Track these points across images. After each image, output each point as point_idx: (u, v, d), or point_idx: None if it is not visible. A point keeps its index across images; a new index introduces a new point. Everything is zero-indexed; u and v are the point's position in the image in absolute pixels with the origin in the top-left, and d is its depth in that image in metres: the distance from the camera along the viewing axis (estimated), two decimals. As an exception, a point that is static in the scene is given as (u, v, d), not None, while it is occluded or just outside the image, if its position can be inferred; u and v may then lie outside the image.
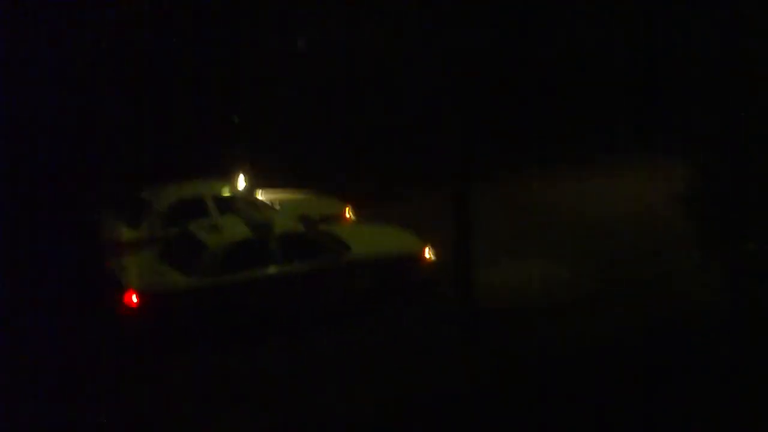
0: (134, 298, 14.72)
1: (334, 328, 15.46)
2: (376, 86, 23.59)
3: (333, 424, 12.97)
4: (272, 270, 15.48)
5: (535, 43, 24.93)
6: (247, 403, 13.42)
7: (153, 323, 14.84)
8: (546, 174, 22.52)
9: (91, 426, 12.75)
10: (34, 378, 13.74)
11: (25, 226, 17.09)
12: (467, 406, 13.29)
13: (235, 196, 17.57)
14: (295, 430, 12.89)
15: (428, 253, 16.54)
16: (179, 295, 14.98)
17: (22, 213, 17.08)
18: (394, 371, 14.21)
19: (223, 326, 15.08)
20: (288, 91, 23.05)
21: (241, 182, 18.19)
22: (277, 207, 17.88)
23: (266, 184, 18.97)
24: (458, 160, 15.38)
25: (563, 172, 22.63)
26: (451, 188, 15.33)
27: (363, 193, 20.11)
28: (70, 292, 15.52)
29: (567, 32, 25.29)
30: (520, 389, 13.70)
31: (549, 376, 13.92)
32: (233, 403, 13.47)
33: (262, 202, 17.93)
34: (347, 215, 18.43)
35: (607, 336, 15.05)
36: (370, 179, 21.57)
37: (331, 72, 23.58)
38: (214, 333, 14.95)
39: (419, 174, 21.54)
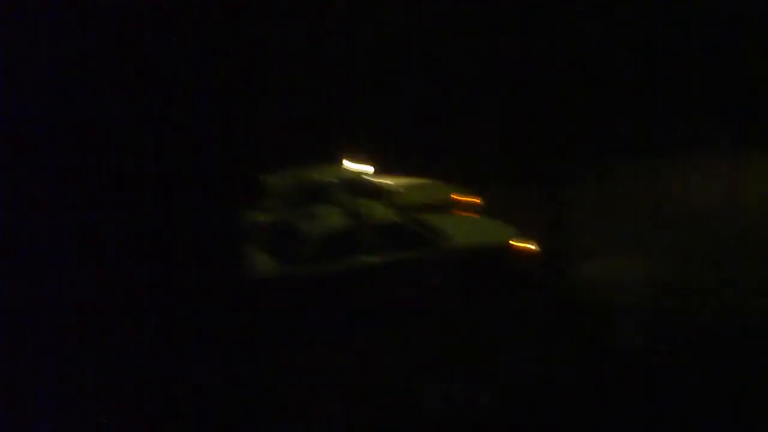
0: None
1: (430, 318, 15.40)
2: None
3: (437, 416, 12.94)
4: (367, 260, 15.50)
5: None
6: (346, 395, 13.44)
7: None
8: (647, 166, 22.19)
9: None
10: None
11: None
12: (565, 402, 13.17)
13: (357, 180, 18.06)
14: (395, 423, 12.88)
15: (523, 245, 16.40)
16: (274, 282, 15.09)
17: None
18: (493, 364, 14.12)
19: (317, 316, 15.15)
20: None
21: (361, 167, 18.76)
22: (398, 192, 18.18)
23: (387, 169, 19.31)
24: (555, 149, 15.26)
25: (664, 165, 22.26)
26: (550, 179, 15.22)
27: (486, 179, 20.15)
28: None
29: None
30: (613, 384, 13.51)
31: (645, 374, 13.71)
32: (330, 395, 13.46)
33: (382, 186, 18.23)
34: (467, 202, 18.61)
35: (700, 336, 14.75)
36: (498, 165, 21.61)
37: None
38: (307, 323, 15.02)
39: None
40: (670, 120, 23.45)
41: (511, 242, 16.37)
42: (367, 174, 18.58)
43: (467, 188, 19.10)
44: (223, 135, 9.57)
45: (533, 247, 16.37)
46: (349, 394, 13.36)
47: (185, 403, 10.66)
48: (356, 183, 18.03)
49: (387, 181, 18.82)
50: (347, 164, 18.75)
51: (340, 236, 15.44)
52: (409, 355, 14.40)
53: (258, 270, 15.11)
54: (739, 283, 16.42)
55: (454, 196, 18.64)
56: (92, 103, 8.82)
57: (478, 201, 18.72)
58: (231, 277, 11.86)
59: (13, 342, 9.04)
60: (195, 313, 10.61)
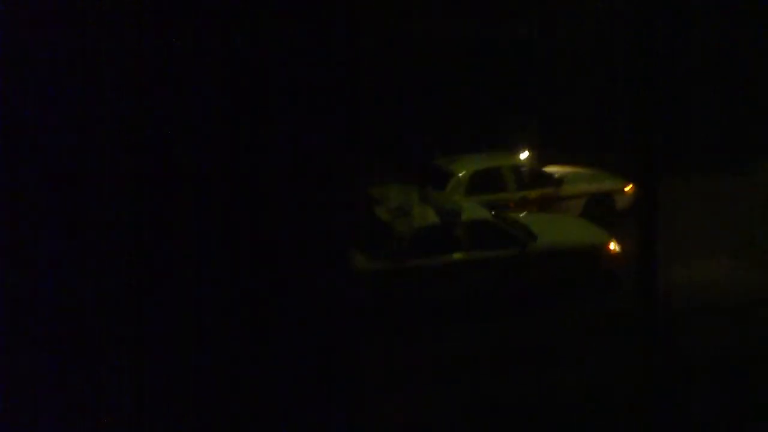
0: None
1: (518, 317, 15.62)
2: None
3: (516, 411, 13.15)
4: (457, 257, 15.77)
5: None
6: (432, 388, 13.73)
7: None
8: (735, 168, 22.10)
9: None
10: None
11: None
12: (642, 405, 13.25)
13: (530, 168, 19.34)
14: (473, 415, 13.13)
15: (613, 246, 16.52)
16: (364, 277, 15.39)
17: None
18: (574, 364, 14.30)
19: (406, 312, 15.46)
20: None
21: (529, 155, 19.80)
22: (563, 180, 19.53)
23: (554, 158, 20.39)
24: (645, 151, 15.26)
25: (752, 167, 22.16)
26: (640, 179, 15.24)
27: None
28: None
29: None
30: (691, 390, 13.58)
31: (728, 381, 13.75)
32: (416, 387, 13.74)
33: (550, 174, 19.52)
34: (628, 192, 19.60)
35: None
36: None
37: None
38: (395, 318, 15.33)
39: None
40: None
41: (598, 243, 16.51)
42: (533, 162, 19.74)
43: (626, 178, 19.85)
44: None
45: (619, 248, 16.50)
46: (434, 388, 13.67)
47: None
48: (529, 170, 19.33)
49: (558, 168, 20.11)
50: (515, 153, 19.91)
51: (430, 234, 15.73)
52: (497, 351, 14.68)
53: (356, 266, 15.46)
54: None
55: (617, 185, 19.72)
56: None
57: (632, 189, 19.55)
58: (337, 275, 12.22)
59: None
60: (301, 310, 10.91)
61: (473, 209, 16.40)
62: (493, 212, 16.62)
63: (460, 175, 18.92)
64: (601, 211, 19.35)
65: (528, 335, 15.07)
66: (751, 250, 17.81)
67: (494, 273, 15.79)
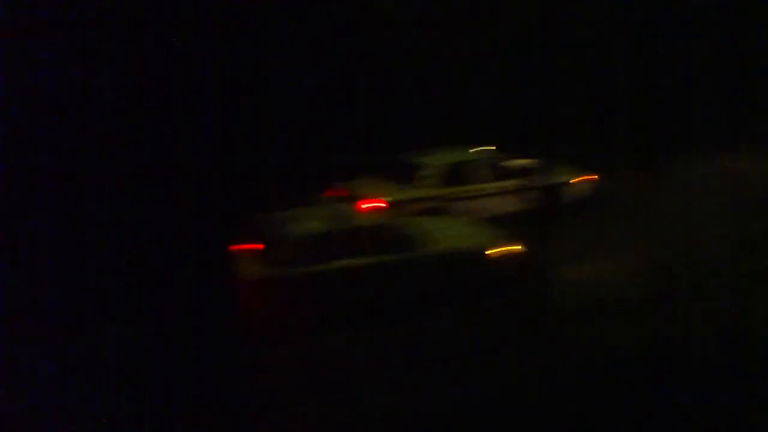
0: None
1: (407, 321, 15.54)
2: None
3: (406, 416, 13.04)
4: (346, 262, 15.62)
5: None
6: (327, 393, 13.56)
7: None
8: (652, 165, 22.70)
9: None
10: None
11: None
12: (535, 404, 13.26)
13: (501, 161, 20.33)
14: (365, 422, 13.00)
15: (507, 248, 16.56)
16: (259, 283, 15.20)
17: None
18: (464, 366, 14.22)
19: (297, 316, 15.26)
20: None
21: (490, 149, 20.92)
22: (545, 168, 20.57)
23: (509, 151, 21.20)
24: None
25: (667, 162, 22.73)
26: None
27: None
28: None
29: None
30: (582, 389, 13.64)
31: (615, 378, 13.83)
32: (313, 392, 13.61)
33: (525, 165, 20.51)
34: (585, 181, 21.03)
35: (678, 337, 14.87)
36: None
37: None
38: (287, 323, 15.13)
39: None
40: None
41: (491, 246, 16.52)
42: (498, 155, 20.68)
43: (585, 169, 21.29)
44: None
45: (518, 250, 16.54)
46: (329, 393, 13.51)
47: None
48: (500, 162, 20.35)
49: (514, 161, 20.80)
50: (482, 146, 20.91)
51: (321, 239, 15.56)
52: (387, 357, 14.56)
53: (244, 272, 15.25)
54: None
55: (577, 176, 20.98)
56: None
57: (596, 178, 21.14)
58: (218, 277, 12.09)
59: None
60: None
61: (362, 214, 16.26)
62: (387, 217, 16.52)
63: (434, 168, 19.73)
64: (554, 201, 20.66)
65: (423, 340, 14.99)
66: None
67: (389, 276, 15.68)
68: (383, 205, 18.83)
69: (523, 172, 20.45)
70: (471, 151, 20.61)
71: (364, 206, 18.43)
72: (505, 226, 17.62)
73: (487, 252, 16.44)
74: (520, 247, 16.52)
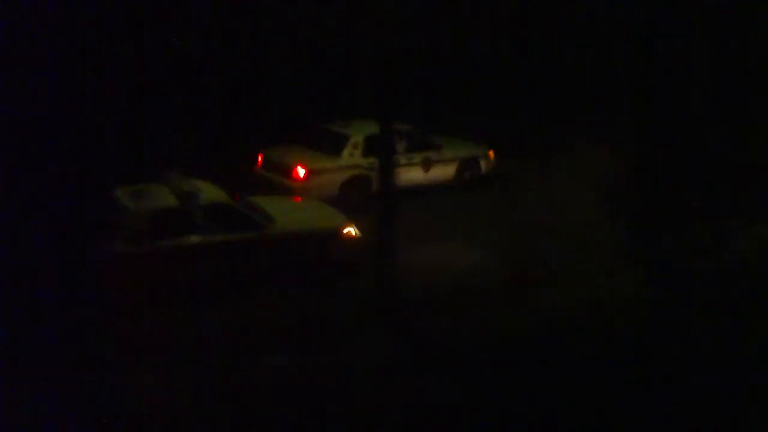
0: None
1: (253, 300, 15.50)
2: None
3: (245, 395, 13.05)
4: (195, 239, 15.50)
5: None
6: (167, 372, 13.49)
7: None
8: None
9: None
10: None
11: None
12: (369, 385, 13.42)
13: (414, 134, 21.17)
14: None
15: (353, 231, 16.66)
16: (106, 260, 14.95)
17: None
18: (302, 347, 14.27)
19: (144, 294, 15.08)
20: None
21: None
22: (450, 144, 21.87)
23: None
24: (384, 134, 15.48)
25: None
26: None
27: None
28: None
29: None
30: (425, 373, 13.84)
31: (453, 362, 14.09)
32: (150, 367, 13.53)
33: (432, 140, 21.59)
34: (492, 156, 22.31)
35: (510, 325, 15.18)
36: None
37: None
38: (133, 301, 14.93)
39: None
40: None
41: (336, 228, 16.61)
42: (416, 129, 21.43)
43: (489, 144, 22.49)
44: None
45: (358, 234, 16.67)
46: (172, 372, 13.41)
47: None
48: (413, 136, 21.17)
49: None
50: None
51: (167, 216, 15.40)
52: (232, 333, 14.52)
53: (90, 249, 14.98)
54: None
55: (483, 150, 22.25)
56: None
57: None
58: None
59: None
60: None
61: (211, 191, 16.13)
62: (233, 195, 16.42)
63: (357, 138, 20.26)
64: (471, 173, 21.80)
65: (265, 318, 14.99)
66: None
67: (230, 256, 15.62)
68: (305, 171, 19.52)
69: (437, 146, 21.52)
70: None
71: (294, 172, 19.49)
72: (354, 210, 17.70)
73: (333, 234, 16.53)
74: (356, 232, 16.64)
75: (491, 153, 22.35)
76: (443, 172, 21.51)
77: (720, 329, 14.08)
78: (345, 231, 16.61)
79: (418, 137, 21.30)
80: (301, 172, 19.47)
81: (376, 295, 15.48)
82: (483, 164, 22.13)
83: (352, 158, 20.05)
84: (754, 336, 14.07)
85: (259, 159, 20.63)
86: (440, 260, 17.52)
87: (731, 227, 14.38)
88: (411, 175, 20.61)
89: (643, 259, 14.85)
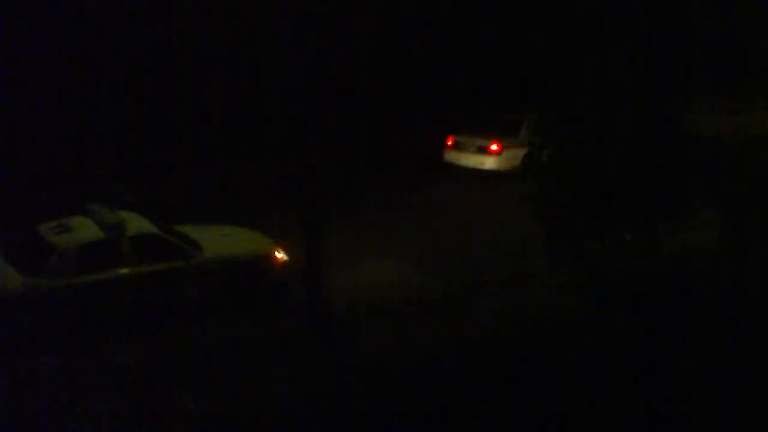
0: None
1: (185, 329, 15.44)
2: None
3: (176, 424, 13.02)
4: (123, 271, 15.39)
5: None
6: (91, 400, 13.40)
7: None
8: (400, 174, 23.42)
9: None
10: None
11: None
12: (311, 408, 13.47)
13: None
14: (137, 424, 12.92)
15: (280, 254, 16.70)
16: (21, 297, 14.78)
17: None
18: (240, 373, 14.30)
19: (74, 327, 14.94)
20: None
21: None
22: None
23: None
24: (309, 155, 15.58)
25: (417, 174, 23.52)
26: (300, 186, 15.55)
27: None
28: None
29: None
30: (360, 392, 13.93)
31: (391, 378, 14.22)
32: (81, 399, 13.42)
33: None
34: None
35: (448, 336, 15.40)
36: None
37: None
38: (62, 334, 14.78)
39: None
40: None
41: (265, 252, 16.63)
42: None
43: None
44: None
45: (287, 256, 16.71)
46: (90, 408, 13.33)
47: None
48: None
49: None
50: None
51: (94, 248, 15.27)
52: (164, 363, 14.45)
53: (6, 284, 14.78)
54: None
55: None
56: None
57: None
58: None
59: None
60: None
61: (137, 222, 16.03)
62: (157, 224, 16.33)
63: (528, 121, 24.47)
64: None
65: (197, 347, 14.96)
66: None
67: (160, 286, 15.54)
68: (498, 146, 24.34)
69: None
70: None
71: (491, 149, 24.32)
72: (277, 231, 17.76)
73: (262, 258, 16.55)
74: (282, 254, 16.70)
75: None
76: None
77: (639, 334, 14.44)
78: (273, 254, 16.64)
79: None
80: (495, 147, 24.30)
81: (305, 315, 15.57)
82: None
83: (527, 136, 23.33)
84: (671, 339, 14.44)
85: (449, 143, 25.18)
86: (372, 277, 17.63)
87: (658, 231, 14.74)
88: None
89: (566, 264, 15.13)
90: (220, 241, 16.70)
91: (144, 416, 13.09)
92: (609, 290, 14.98)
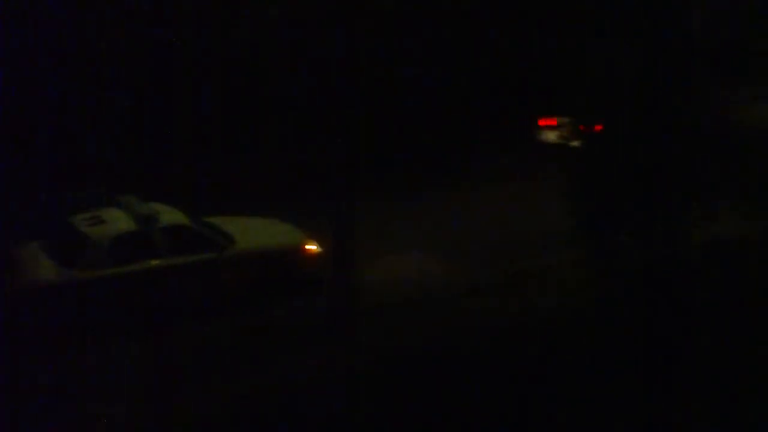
0: None
1: (216, 321, 15.59)
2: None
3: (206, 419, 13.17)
4: (156, 262, 15.54)
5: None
6: (127, 395, 13.53)
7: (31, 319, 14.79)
8: (435, 177, 23.28)
9: None
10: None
11: None
12: (337, 402, 13.56)
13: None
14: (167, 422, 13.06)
15: (312, 246, 16.78)
16: (59, 288, 14.97)
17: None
18: (269, 364, 14.42)
19: (107, 318, 15.11)
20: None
21: None
22: None
23: None
24: (343, 151, 15.58)
25: (444, 176, 23.41)
26: (334, 180, 15.58)
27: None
28: None
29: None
30: (391, 385, 13.99)
31: (420, 372, 14.26)
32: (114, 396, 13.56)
33: None
34: None
35: (476, 332, 15.37)
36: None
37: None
38: (96, 325, 14.96)
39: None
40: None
41: (297, 244, 16.72)
42: None
43: None
44: None
45: (319, 249, 16.79)
46: (137, 395, 13.46)
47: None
48: None
49: None
50: None
51: (128, 240, 15.44)
52: (194, 355, 14.60)
53: (42, 276, 14.98)
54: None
55: None
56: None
57: None
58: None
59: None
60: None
61: (169, 214, 16.17)
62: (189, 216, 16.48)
63: None
64: None
65: (227, 338, 15.09)
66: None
67: (192, 277, 15.67)
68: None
69: None
70: None
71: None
72: (309, 224, 17.83)
73: (294, 249, 16.64)
74: (314, 246, 16.78)
75: None
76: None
77: (665, 324, 14.40)
78: (305, 246, 16.72)
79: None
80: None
81: (336, 307, 15.65)
82: None
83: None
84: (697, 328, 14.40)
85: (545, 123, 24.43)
86: (400, 271, 17.67)
87: (685, 221, 14.71)
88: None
89: (592, 254, 15.11)
90: (252, 233, 16.80)
91: (176, 404, 13.26)
92: (637, 281, 14.94)
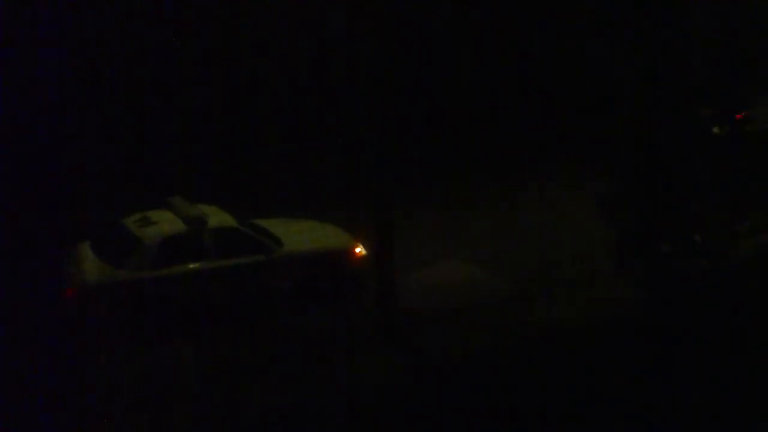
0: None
1: (262, 323, 15.71)
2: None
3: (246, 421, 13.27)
4: (205, 264, 15.68)
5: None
6: (169, 397, 13.67)
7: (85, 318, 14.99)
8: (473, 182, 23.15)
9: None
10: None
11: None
12: (377, 405, 13.61)
13: None
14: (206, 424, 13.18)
15: (359, 249, 16.83)
16: (111, 288, 15.17)
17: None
18: (311, 366, 14.53)
19: (156, 318, 15.27)
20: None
21: None
22: None
23: None
24: (381, 160, 15.61)
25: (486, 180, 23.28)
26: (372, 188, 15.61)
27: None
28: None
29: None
30: (430, 390, 14.00)
31: (458, 378, 14.26)
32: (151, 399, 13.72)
33: None
34: None
35: (516, 338, 15.42)
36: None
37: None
38: (147, 327, 15.12)
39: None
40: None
41: (344, 247, 16.78)
42: None
43: None
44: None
45: (366, 251, 16.84)
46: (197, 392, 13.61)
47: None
48: None
49: None
50: None
51: (177, 242, 15.59)
52: (246, 356, 14.70)
53: (95, 276, 15.16)
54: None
55: None
56: None
57: None
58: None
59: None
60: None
61: (218, 216, 16.30)
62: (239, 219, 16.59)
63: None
64: None
65: (275, 340, 15.18)
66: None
67: (240, 279, 15.79)
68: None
69: None
70: None
71: None
72: (355, 228, 17.88)
73: (342, 253, 16.70)
74: (361, 249, 16.82)
75: None
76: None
77: (714, 332, 14.29)
78: (352, 249, 16.77)
79: None
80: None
81: (379, 312, 15.68)
82: None
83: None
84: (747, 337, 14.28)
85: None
86: (441, 277, 17.65)
87: (735, 231, 14.58)
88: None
89: (638, 263, 15.03)
90: (299, 236, 16.87)
91: (226, 402, 13.37)
92: (677, 292, 14.84)
